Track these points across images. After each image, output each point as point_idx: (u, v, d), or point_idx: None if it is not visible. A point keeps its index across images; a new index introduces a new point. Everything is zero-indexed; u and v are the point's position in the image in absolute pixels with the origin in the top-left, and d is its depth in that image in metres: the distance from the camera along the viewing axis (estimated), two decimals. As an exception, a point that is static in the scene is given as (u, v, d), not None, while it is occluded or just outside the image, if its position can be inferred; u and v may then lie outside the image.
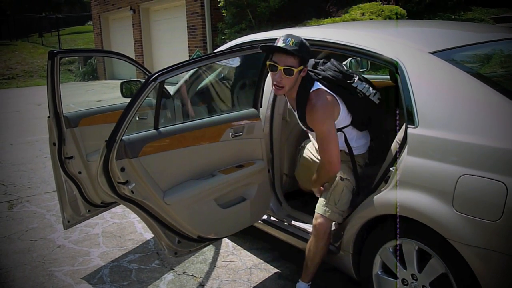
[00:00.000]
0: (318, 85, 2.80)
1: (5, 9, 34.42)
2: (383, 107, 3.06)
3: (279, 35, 2.70)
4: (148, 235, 4.15)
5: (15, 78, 21.04)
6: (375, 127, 3.03)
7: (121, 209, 4.62)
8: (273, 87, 2.75)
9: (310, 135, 3.18)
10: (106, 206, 3.80)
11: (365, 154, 3.06)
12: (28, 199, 5.28)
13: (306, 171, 3.35)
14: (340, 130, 2.89)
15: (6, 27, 31.58)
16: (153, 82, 2.58)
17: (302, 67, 2.69)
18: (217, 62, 4.33)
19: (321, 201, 2.90)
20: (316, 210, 2.90)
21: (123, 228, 4.35)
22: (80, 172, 3.54)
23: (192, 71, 4.24)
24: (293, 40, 2.61)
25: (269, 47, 2.72)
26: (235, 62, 4.52)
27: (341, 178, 2.88)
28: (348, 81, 2.88)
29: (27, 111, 12.32)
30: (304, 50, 2.64)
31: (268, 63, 2.72)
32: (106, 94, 14.31)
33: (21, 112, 12.33)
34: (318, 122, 2.76)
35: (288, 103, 3.08)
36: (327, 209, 2.84)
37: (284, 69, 2.64)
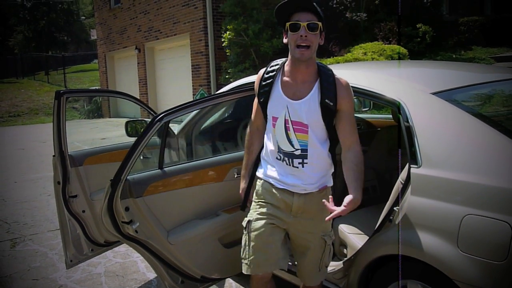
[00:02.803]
0: None
1: (13, 48, 35.11)
2: None
3: None
4: (151, 274, 4.11)
5: (21, 116, 21.27)
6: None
7: (124, 248, 4.59)
8: (297, 50, 2.39)
9: (267, 138, 2.64)
10: (109, 245, 3.79)
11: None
12: (31, 237, 5.25)
13: (268, 245, 2.59)
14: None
15: (14, 65, 32.13)
16: (158, 123, 2.61)
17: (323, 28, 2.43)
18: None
19: (315, 272, 2.69)
20: (314, 285, 2.74)
21: (126, 268, 4.32)
22: (84, 211, 3.55)
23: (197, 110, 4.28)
24: (307, 0, 2.39)
25: (287, 4, 2.40)
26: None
27: (332, 243, 2.69)
28: None
29: (32, 149, 12.38)
30: (321, 12, 2.41)
31: (287, 24, 2.40)
32: (110, 132, 14.40)
33: (25, 149, 12.39)
34: (353, 99, 2.54)
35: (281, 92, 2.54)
36: (326, 275, 2.76)
37: (307, 24, 2.35)
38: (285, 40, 2.48)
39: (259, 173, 2.68)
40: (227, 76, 11.80)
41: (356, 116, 5.19)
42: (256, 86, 2.66)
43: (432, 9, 12.66)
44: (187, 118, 4.43)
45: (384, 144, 4.13)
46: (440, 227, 2.22)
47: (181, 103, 2.82)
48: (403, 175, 2.54)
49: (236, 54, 11.56)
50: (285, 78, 2.53)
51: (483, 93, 3.06)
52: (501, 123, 2.78)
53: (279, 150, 2.54)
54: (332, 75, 2.49)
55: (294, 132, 2.49)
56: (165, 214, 2.82)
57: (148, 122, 2.74)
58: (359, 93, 2.88)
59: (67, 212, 3.51)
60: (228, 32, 11.27)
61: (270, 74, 2.57)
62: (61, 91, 3.38)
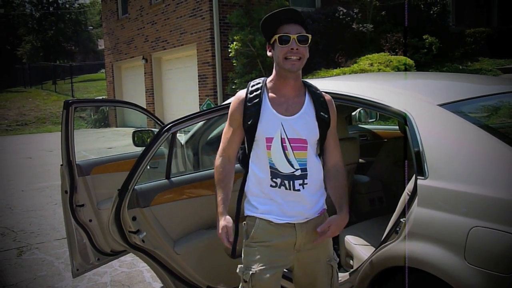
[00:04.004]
0: None
1: (21, 57, 35.45)
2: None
3: None
4: (157, 284, 4.11)
5: (28, 125, 21.39)
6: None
7: (130, 258, 4.59)
8: (287, 61, 2.27)
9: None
10: (116, 254, 3.80)
11: None
12: (37, 246, 5.27)
13: None
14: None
15: (22, 74, 32.41)
16: (166, 133, 2.63)
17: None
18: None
19: None
20: None
21: (132, 277, 4.32)
22: (90, 220, 3.57)
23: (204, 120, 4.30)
24: (295, 12, 2.32)
25: (275, 16, 2.30)
26: None
27: (338, 254, 2.61)
28: None
29: (39, 158, 12.44)
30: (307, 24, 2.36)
31: (275, 37, 2.28)
32: (117, 141, 14.45)
33: (32, 158, 12.45)
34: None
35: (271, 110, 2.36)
36: None
37: (297, 36, 2.25)
38: (269, 53, 2.38)
39: (251, 212, 2.40)
40: (233, 87, 11.84)
41: (362, 127, 5.23)
42: (236, 109, 2.41)
43: (438, 20, 12.70)
44: (194, 128, 4.46)
45: (391, 155, 4.13)
46: (447, 239, 2.22)
47: (189, 114, 2.84)
48: (409, 186, 2.54)
49: (242, 65, 11.61)
50: (272, 95, 2.37)
51: (490, 104, 3.06)
52: (508, 135, 2.78)
53: (276, 174, 2.33)
54: (318, 89, 2.47)
55: (293, 150, 2.32)
56: (171, 224, 2.83)
57: (155, 132, 2.76)
58: (366, 104, 2.89)
59: (74, 221, 3.52)
60: (235, 43, 11.33)
61: (255, 93, 2.37)
62: (70, 101, 3.42)
